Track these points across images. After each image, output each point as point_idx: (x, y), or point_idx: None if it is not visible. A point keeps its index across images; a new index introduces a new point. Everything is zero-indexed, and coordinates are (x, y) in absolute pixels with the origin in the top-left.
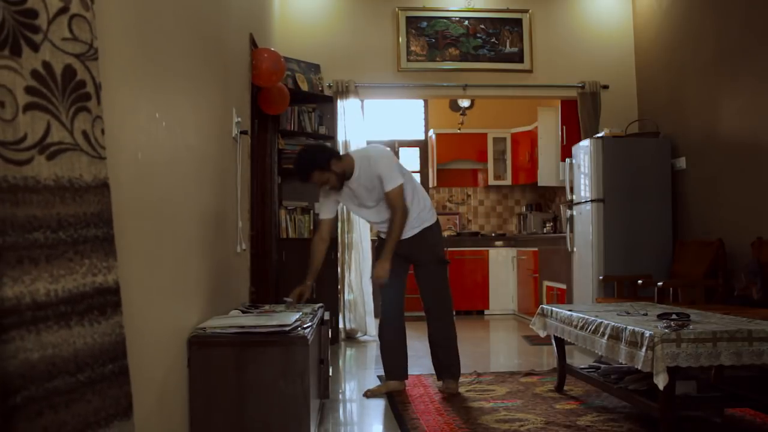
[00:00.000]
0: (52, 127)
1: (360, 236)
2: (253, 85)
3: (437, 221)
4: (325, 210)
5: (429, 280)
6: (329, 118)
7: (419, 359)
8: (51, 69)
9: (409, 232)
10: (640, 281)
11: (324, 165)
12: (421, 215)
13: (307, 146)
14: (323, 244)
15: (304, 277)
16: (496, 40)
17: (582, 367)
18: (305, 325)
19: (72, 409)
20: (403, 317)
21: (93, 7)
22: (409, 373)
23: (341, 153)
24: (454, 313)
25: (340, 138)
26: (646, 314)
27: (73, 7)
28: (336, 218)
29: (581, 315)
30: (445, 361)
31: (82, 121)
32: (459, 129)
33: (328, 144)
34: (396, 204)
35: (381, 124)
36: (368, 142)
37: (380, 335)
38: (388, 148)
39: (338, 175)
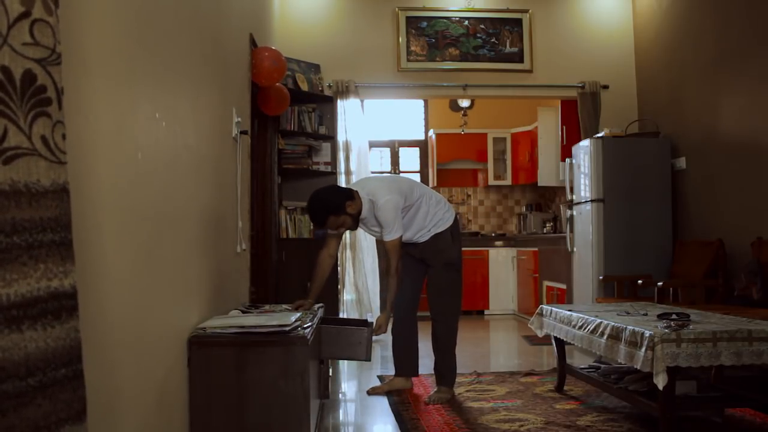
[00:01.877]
0: (9, 132)
1: (363, 235)
2: (253, 85)
3: (452, 225)
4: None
5: (435, 283)
6: (329, 118)
7: (420, 359)
8: (9, 74)
9: (422, 237)
10: (640, 281)
11: (339, 209)
12: (436, 224)
13: (318, 191)
14: (331, 260)
15: (305, 282)
16: (496, 40)
17: (582, 367)
18: (305, 325)
19: (21, 413)
20: (416, 315)
21: (57, 11)
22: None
23: (347, 187)
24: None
25: (340, 138)
26: (646, 314)
27: (36, 12)
28: (342, 235)
29: (581, 315)
30: (440, 368)
31: (42, 126)
32: (462, 130)
33: (337, 185)
34: (391, 255)
35: (381, 124)
36: (369, 143)
37: (392, 331)
38: (394, 186)
39: (353, 217)
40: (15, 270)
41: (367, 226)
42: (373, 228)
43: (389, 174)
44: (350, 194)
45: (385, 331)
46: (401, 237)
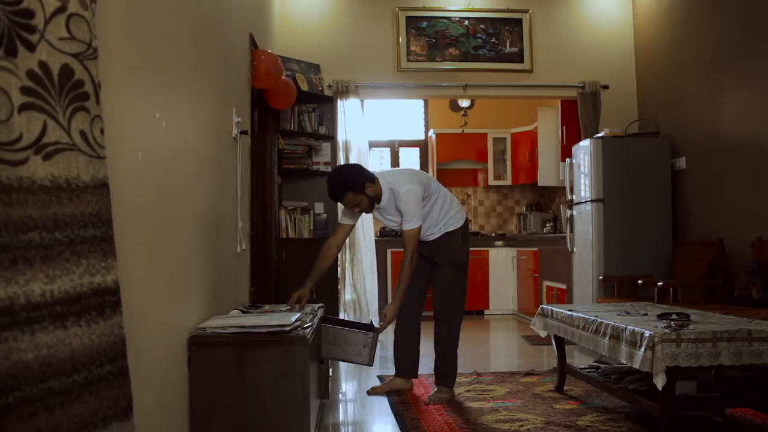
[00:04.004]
0: (48, 127)
1: (362, 235)
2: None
3: (463, 226)
4: (347, 215)
5: (441, 282)
6: (329, 118)
7: (421, 359)
8: (47, 69)
9: (432, 235)
10: (640, 281)
11: (359, 188)
12: (448, 222)
13: (342, 167)
14: (336, 249)
15: (304, 280)
16: (496, 40)
17: (582, 367)
18: (305, 325)
19: (67, 410)
20: (420, 317)
21: (92, 6)
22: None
23: (372, 175)
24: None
25: (340, 138)
26: (646, 314)
27: (71, 7)
28: (354, 225)
29: (582, 315)
30: (441, 367)
31: (80, 121)
32: (462, 130)
33: (361, 166)
34: (408, 245)
35: (381, 124)
36: (369, 143)
37: (395, 332)
38: (415, 177)
39: (370, 199)
40: (58, 266)
41: (383, 216)
42: (390, 218)
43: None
44: (372, 177)
45: (392, 321)
46: (420, 228)
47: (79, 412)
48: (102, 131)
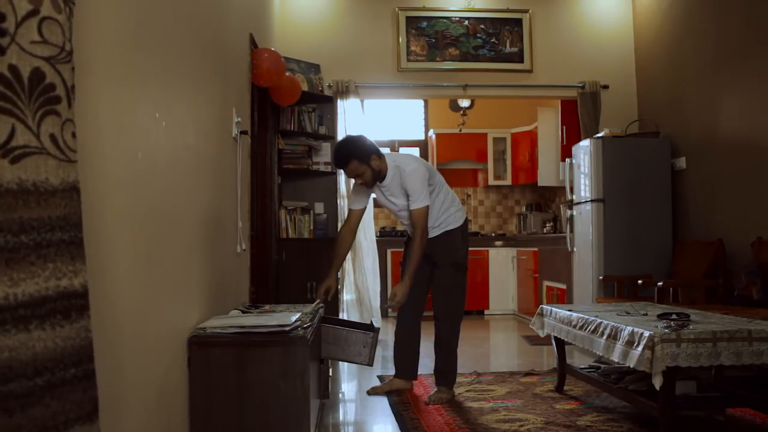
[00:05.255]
0: (16, 131)
1: (363, 235)
2: (256, 84)
3: (463, 225)
4: (356, 200)
5: (441, 282)
6: (329, 118)
7: (421, 359)
8: (18, 72)
9: (432, 232)
10: (640, 281)
11: (364, 158)
12: (447, 220)
13: (351, 136)
14: (351, 235)
15: (305, 282)
16: (496, 40)
17: (582, 367)
18: (305, 325)
19: (28, 413)
20: (419, 318)
21: (67, 9)
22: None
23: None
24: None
25: (340, 138)
26: (646, 314)
27: (44, 10)
28: (365, 209)
29: (581, 315)
30: (441, 367)
31: (50, 125)
32: (460, 129)
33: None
34: (417, 224)
35: (381, 124)
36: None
37: (395, 334)
38: (421, 161)
39: (374, 172)
40: (23, 269)
41: (386, 196)
42: (393, 199)
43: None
44: (379, 152)
45: (401, 302)
46: (428, 208)
47: (41, 414)
48: (74, 135)
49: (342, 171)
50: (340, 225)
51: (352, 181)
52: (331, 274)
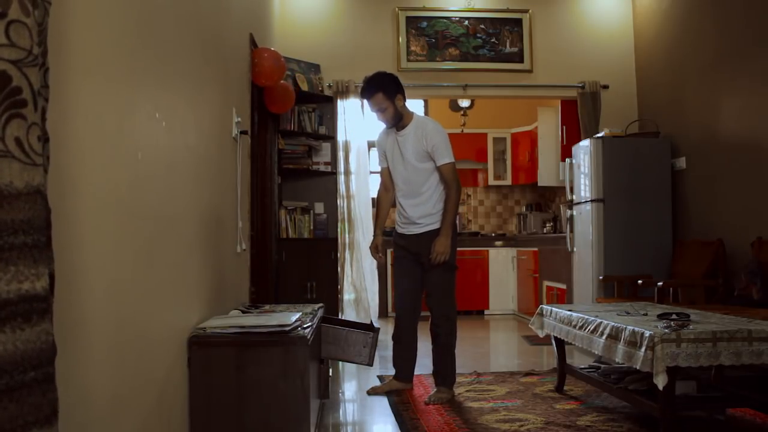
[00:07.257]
0: None
1: (362, 235)
2: (256, 85)
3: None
4: (382, 159)
5: (434, 285)
6: (329, 118)
7: (420, 359)
8: None
9: (414, 228)
10: (640, 281)
11: (391, 94)
12: (432, 216)
13: (385, 72)
14: (388, 193)
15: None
16: (496, 40)
17: (582, 367)
18: (305, 325)
19: None
20: (416, 318)
21: (36, 12)
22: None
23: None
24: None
25: (340, 138)
26: (646, 314)
27: (12, 13)
28: None
29: (581, 315)
30: (440, 368)
31: (16, 128)
32: (461, 130)
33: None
34: (449, 178)
35: (381, 124)
36: (369, 143)
37: (393, 336)
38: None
39: (396, 112)
40: None
41: (399, 146)
42: (404, 151)
43: None
44: (404, 96)
45: (446, 253)
46: (454, 165)
47: None
48: (39, 139)
49: (367, 102)
50: (340, 225)
51: (352, 181)
52: (376, 233)
